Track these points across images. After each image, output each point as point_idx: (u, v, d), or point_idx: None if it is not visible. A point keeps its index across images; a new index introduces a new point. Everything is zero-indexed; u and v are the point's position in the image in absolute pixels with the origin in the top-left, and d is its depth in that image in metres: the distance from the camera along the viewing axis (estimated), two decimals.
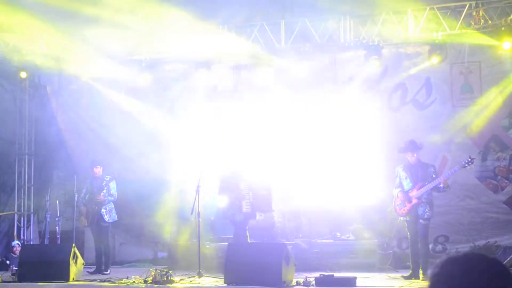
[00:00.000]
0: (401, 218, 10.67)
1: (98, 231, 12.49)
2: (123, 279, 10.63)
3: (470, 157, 10.19)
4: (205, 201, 12.33)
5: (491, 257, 2.42)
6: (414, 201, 10.29)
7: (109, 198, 12.39)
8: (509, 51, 12.57)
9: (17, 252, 13.36)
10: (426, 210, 10.29)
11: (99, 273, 12.16)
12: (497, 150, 13.23)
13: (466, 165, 10.12)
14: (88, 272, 11.87)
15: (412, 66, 13.75)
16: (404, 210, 10.41)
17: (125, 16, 14.15)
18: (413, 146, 10.58)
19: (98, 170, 12.59)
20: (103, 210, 12.30)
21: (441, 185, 10.14)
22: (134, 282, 10.24)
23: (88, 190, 12.58)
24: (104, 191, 12.32)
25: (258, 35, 14.00)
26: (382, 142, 13.42)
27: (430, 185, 10.17)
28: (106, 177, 12.51)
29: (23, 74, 14.79)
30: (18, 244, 13.96)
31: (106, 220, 12.35)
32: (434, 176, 10.32)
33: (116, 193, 12.48)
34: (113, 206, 12.48)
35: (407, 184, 10.47)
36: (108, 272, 12.14)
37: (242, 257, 9.69)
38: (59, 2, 13.09)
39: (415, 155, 10.48)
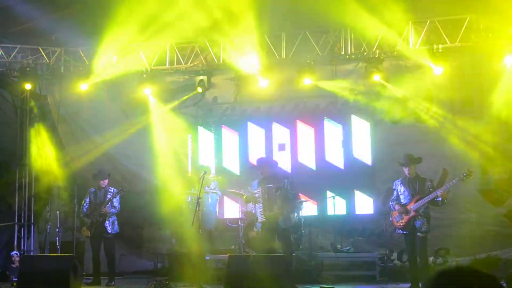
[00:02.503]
0: (399, 231, 10.69)
1: (100, 243, 12.48)
2: None
3: (468, 170, 10.20)
4: (205, 213, 12.36)
5: (483, 271, 2.44)
6: (412, 213, 10.31)
7: (113, 210, 12.41)
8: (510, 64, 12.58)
9: (16, 262, 13.32)
10: (424, 223, 10.32)
11: (97, 285, 12.14)
12: (498, 162, 13.22)
13: (464, 177, 10.13)
14: (85, 283, 11.82)
15: (413, 79, 13.75)
16: (402, 222, 10.43)
17: (127, 26, 14.24)
18: (411, 159, 10.61)
19: (106, 182, 12.61)
20: (107, 222, 12.33)
21: (439, 199, 10.16)
22: None
23: (91, 201, 12.59)
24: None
25: (259, 47, 14.03)
26: (382, 155, 13.42)
27: (427, 198, 10.19)
28: (110, 190, 12.52)
29: (27, 86, 14.78)
30: (16, 253, 13.90)
31: (109, 232, 12.36)
32: (431, 190, 10.34)
33: (118, 206, 12.52)
34: (115, 218, 12.51)
35: (404, 197, 10.51)
36: (112, 284, 12.11)
37: (243, 269, 9.67)
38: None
39: (412, 168, 10.51)
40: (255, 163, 12.30)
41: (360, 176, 13.86)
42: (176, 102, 15.13)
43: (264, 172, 11.36)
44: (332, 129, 14.22)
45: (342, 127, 14.18)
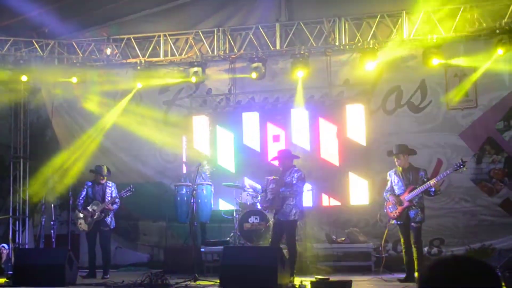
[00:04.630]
0: (393, 222, 10.69)
1: (96, 237, 12.43)
2: (119, 283, 10.63)
3: (461, 160, 10.20)
4: (200, 205, 12.35)
5: (479, 260, 2.44)
6: (406, 204, 10.30)
7: (115, 206, 12.40)
8: (503, 54, 12.54)
9: (4, 256, 13.29)
10: (418, 213, 10.31)
11: (92, 277, 12.14)
12: (492, 152, 13.24)
13: (458, 168, 10.12)
14: (80, 276, 11.81)
15: (407, 69, 13.76)
16: (396, 213, 10.43)
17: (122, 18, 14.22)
18: (405, 150, 10.60)
19: (105, 179, 12.55)
20: (107, 218, 12.32)
21: (432, 189, 10.16)
22: (129, 286, 10.25)
23: (88, 195, 12.52)
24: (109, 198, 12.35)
25: (253, 38, 14.00)
26: (377, 145, 13.43)
27: (421, 188, 10.19)
28: (109, 184, 12.49)
29: (23, 78, 14.69)
30: (3, 246, 13.86)
31: (108, 226, 12.34)
32: (425, 180, 10.34)
33: (119, 201, 12.48)
34: (113, 212, 12.50)
35: (398, 188, 10.49)
36: (107, 276, 12.11)
37: (238, 260, 9.68)
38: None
39: (402, 158, 10.47)
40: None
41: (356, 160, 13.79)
42: (170, 94, 15.14)
43: (281, 164, 11.28)
44: (326, 119, 14.14)
45: (336, 117, 14.10)
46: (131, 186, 12.46)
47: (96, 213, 12.28)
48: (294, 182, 10.72)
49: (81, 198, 12.57)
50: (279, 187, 10.68)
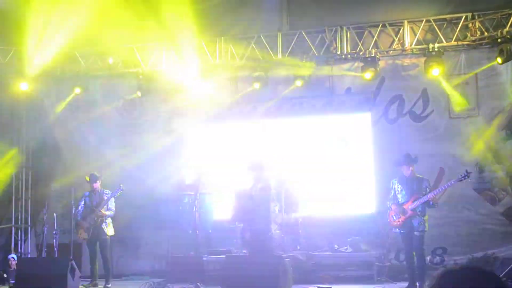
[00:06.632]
0: (396, 230, 10.68)
1: (97, 245, 12.44)
2: None
3: (466, 171, 10.20)
4: (202, 213, 12.34)
5: (487, 270, 2.44)
6: (409, 213, 10.29)
7: (109, 212, 12.41)
8: (502, 63, 12.52)
9: (13, 266, 13.30)
10: (422, 222, 10.30)
11: (94, 287, 12.14)
12: (494, 161, 13.24)
13: (463, 179, 10.14)
14: (83, 285, 11.81)
15: (409, 78, 13.77)
16: (399, 221, 10.42)
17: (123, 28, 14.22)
18: (408, 159, 10.59)
19: (98, 185, 12.58)
20: (103, 224, 12.32)
21: (431, 202, 10.18)
22: None
23: (86, 204, 12.55)
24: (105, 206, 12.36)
25: (255, 47, 14.01)
26: (379, 154, 13.42)
27: (425, 198, 10.19)
28: (106, 192, 12.51)
29: (25, 87, 14.68)
30: (13, 257, 13.88)
31: (106, 233, 12.35)
32: (428, 190, 10.34)
33: (114, 208, 12.50)
34: (111, 220, 12.50)
35: (402, 196, 10.48)
36: (109, 285, 12.10)
37: (240, 269, 9.67)
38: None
39: (410, 168, 10.49)
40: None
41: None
42: (172, 103, 15.14)
43: (254, 176, 11.32)
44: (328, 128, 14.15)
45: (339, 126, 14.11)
46: (120, 185, 12.49)
47: (93, 220, 12.31)
48: (260, 194, 10.78)
49: (80, 207, 12.63)
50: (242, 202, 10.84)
